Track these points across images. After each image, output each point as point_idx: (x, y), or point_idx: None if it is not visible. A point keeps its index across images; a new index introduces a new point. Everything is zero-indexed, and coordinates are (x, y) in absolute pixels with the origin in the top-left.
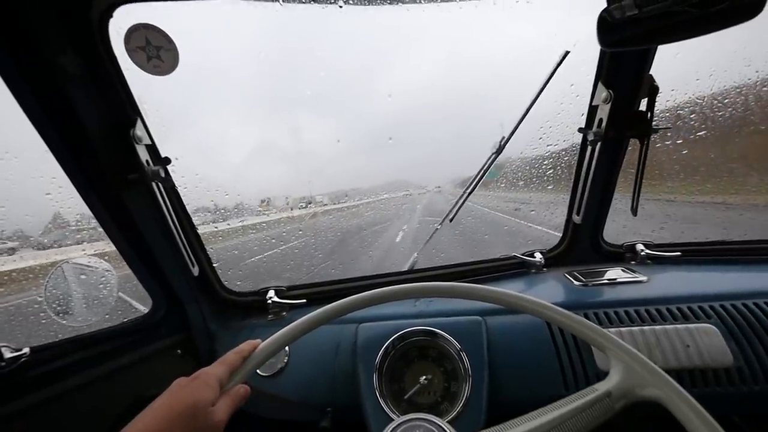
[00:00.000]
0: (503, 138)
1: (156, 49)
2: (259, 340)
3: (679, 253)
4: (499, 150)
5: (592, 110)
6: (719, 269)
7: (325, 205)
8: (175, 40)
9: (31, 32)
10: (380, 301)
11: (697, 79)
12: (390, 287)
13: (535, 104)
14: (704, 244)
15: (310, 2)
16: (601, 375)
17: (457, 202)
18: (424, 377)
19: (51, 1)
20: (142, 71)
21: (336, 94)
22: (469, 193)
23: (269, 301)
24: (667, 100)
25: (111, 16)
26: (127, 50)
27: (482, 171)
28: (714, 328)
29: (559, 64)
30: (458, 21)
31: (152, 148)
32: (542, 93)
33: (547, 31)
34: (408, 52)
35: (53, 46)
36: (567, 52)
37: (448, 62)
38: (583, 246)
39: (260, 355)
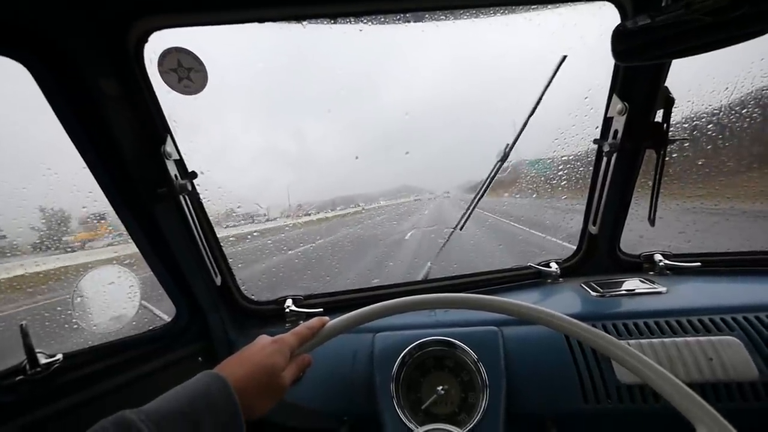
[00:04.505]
0: (507, 145)
1: (187, 71)
2: (327, 318)
3: (699, 264)
4: (504, 157)
5: (607, 121)
6: (741, 280)
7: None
8: (203, 60)
9: (73, 56)
10: (443, 305)
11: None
12: (442, 294)
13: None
14: (725, 255)
15: (331, 23)
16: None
17: (466, 212)
18: (441, 387)
19: (91, 28)
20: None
21: (345, 103)
22: (478, 201)
23: (287, 310)
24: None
25: (146, 41)
26: (160, 72)
27: (489, 179)
28: (737, 340)
29: (557, 70)
30: (465, 27)
31: (180, 163)
32: (546, 99)
33: (560, 39)
34: (412, 56)
35: (93, 69)
36: (564, 57)
37: (454, 66)
38: (599, 256)
39: (326, 332)
